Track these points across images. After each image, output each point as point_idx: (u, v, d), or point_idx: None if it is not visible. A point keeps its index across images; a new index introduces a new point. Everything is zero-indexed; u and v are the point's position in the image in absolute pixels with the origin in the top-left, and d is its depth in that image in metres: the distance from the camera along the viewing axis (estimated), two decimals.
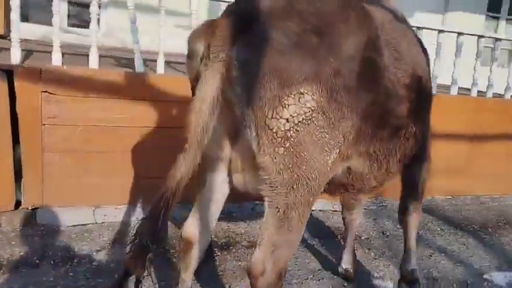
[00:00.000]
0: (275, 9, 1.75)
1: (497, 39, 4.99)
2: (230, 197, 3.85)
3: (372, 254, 3.50)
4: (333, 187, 2.21)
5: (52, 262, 2.92)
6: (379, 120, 2.00)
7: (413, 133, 2.28)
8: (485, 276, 3.38)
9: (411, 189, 2.75)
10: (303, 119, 1.71)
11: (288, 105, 1.69)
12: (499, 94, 5.28)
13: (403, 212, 2.81)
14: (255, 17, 1.73)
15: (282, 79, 1.67)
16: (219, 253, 3.30)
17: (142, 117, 3.60)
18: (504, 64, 7.20)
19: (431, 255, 3.58)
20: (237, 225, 3.77)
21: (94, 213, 3.57)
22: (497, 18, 8.91)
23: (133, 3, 3.53)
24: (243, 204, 4.01)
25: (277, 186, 1.78)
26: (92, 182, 3.54)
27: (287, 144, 1.72)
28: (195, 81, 1.84)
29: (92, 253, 3.10)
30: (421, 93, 2.29)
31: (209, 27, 1.80)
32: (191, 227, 2.20)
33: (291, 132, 1.70)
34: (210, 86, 1.69)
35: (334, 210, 4.21)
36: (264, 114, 1.69)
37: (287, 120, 1.70)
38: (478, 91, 4.94)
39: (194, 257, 2.23)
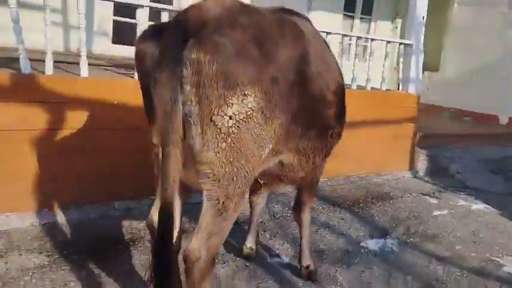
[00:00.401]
0: (222, 19, 1.94)
1: (358, 38, 5.68)
2: (129, 194, 3.97)
3: (267, 235, 3.85)
4: (270, 179, 2.52)
5: None
6: (308, 122, 2.34)
7: (338, 133, 2.70)
8: (361, 244, 3.93)
9: (310, 186, 3.13)
10: (244, 117, 1.94)
11: (232, 104, 1.90)
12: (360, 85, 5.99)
13: (299, 209, 3.19)
14: (204, 23, 1.89)
15: (228, 81, 1.86)
16: (126, 249, 3.38)
17: (33, 119, 3.50)
18: (359, 58, 8.13)
19: (317, 231, 4.04)
20: (138, 221, 3.86)
21: None
22: (352, 17, 9.94)
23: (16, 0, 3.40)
24: (141, 201, 4.10)
25: (219, 180, 1.99)
26: None
27: (229, 140, 1.93)
28: (145, 82, 2.00)
29: None
30: (343, 96, 2.70)
31: (158, 31, 1.96)
32: (154, 217, 2.32)
33: (233, 128, 1.92)
34: (169, 87, 1.84)
35: None
36: (210, 111, 1.88)
37: (230, 117, 1.91)
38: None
39: None
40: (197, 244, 2.07)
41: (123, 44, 7.48)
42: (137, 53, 2.09)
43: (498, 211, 5.15)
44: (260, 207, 3.44)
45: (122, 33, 7.51)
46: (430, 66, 9.68)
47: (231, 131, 1.94)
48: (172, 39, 1.88)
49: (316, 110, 2.42)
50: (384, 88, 5.97)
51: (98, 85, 3.80)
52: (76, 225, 3.66)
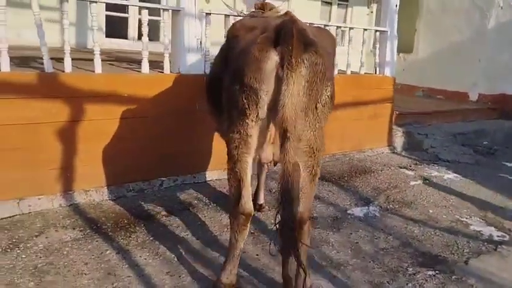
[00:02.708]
0: (313, 34, 2.61)
1: (337, 27, 6.18)
2: (140, 175, 4.44)
3: (267, 207, 4.36)
4: None
5: (0, 250, 3.24)
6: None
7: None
8: (348, 211, 4.49)
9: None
10: (326, 102, 2.62)
11: (326, 92, 2.59)
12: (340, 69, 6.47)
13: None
14: (309, 37, 2.50)
15: (325, 76, 2.52)
16: (145, 223, 3.87)
17: (56, 113, 3.94)
18: (339, 44, 8.65)
19: None
20: (151, 200, 4.35)
21: (19, 205, 3.84)
22: (330, 3, 10.43)
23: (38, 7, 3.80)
24: (151, 182, 4.59)
25: (313, 152, 2.61)
26: (14, 176, 3.81)
27: (320, 121, 2.61)
28: (265, 78, 2.47)
29: (33, 238, 3.44)
30: None
31: (273, 40, 2.45)
32: (249, 203, 2.75)
33: (323, 111, 2.60)
34: (298, 83, 2.37)
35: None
36: (316, 100, 2.51)
37: (323, 103, 2.58)
38: None
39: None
40: (304, 206, 2.65)
41: (116, 37, 7.87)
42: (258, 58, 2.46)
43: (466, 179, 5.77)
44: (267, 168, 4.01)
45: (114, 27, 7.87)
46: (405, 48, 10.25)
47: (321, 113, 2.58)
48: (297, 48, 2.36)
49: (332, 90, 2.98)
50: (362, 72, 6.50)
51: (111, 80, 4.25)
52: (98, 205, 4.14)
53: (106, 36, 7.69)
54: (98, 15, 6.41)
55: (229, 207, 2.88)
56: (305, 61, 2.39)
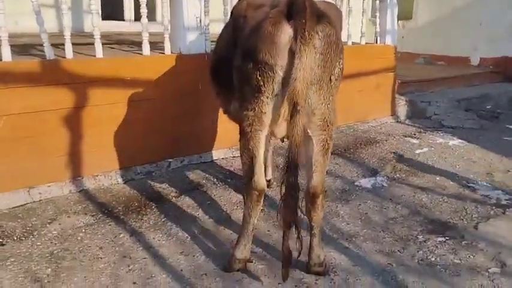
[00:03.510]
0: (323, 8, 2.59)
1: None
2: (147, 157, 4.45)
3: (274, 183, 4.39)
4: None
5: (15, 238, 3.29)
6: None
7: None
8: (355, 183, 4.51)
9: None
10: (339, 74, 2.63)
11: (339, 64, 2.58)
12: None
13: None
14: (319, 10, 2.49)
15: (338, 47, 2.53)
16: (156, 204, 3.91)
17: (61, 100, 3.94)
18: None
19: None
20: (160, 181, 4.38)
21: (29, 193, 3.87)
22: None
23: None
24: (159, 164, 4.61)
25: (327, 125, 2.63)
26: (23, 165, 3.83)
27: (333, 93, 2.62)
28: (280, 52, 2.45)
29: (46, 225, 3.49)
30: None
31: (290, 14, 2.41)
32: (262, 179, 2.77)
33: (336, 83, 2.60)
34: (311, 57, 2.37)
35: (234, 156, 5.02)
36: (330, 72, 2.51)
37: (336, 76, 2.58)
38: None
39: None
40: (318, 180, 2.73)
41: (113, 19, 7.79)
42: (272, 32, 2.44)
43: (471, 144, 5.77)
44: (272, 148, 4.08)
45: (110, 9, 7.79)
46: (404, 15, 10.13)
47: (334, 86, 2.59)
48: (310, 21, 2.36)
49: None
50: (363, 42, 6.44)
51: (113, 64, 4.23)
52: (108, 189, 4.17)
53: (103, 19, 7.60)
54: None
55: (242, 184, 2.91)
56: (319, 33, 2.40)
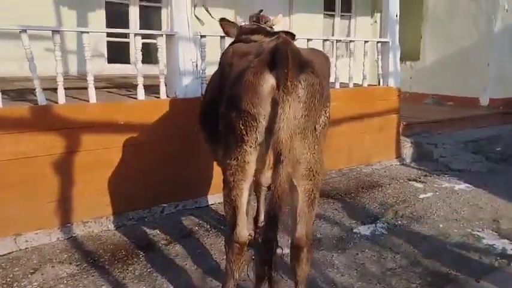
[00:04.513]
0: (308, 56, 2.56)
1: (337, 41, 6.11)
2: (140, 203, 4.38)
3: None
4: None
5: None
6: None
7: None
8: (354, 230, 4.35)
9: None
10: (325, 123, 2.55)
11: (325, 113, 2.51)
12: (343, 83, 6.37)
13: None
14: (303, 58, 2.43)
15: (323, 96, 2.45)
16: (145, 253, 3.79)
17: (52, 145, 3.91)
18: (343, 55, 8.59)
19: (313, 223, 4.45)
20: (151, 228, 4.28)
21: (16, 241, 3.79)
22: (333, 15, 10.37)
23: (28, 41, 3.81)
24: (152, 209, 4.52)
25: (313, 175, 2.52)
26: (11, 212, 3.77)
27: (320, 142, 2.51)
28: (262, 102, 2.39)
29: (28, 276, 3.38)
30: None
31: (273, 63, 2.35)
32: (244, 231, 2.66)
33: (322, 132, 2.52)
34: (294, 107, 2.30)
35: None
36: (314, 121, 2.43)
37: (321, 124, 2.50)
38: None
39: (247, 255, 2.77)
40: (302, 232, 2.59)
41: (118, 62, 7.89)
42: (254, 82, 2.39)
43: (478, 189, 5.58)
44: (264, 193, 3.92)
45: (116, 53, 7.90)
46: (411, 55, 10.15)
47: (320, 135, 2.50)
48: (291, 68, 2.29)
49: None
50: (365, 84, 6.39)
51: (106, 109, 4.23)
52: (97, 236, 4.08)
53: (108, 62, 7.71)
54: (99, 42, 6.51)
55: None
56: (302, 82, 2.34)
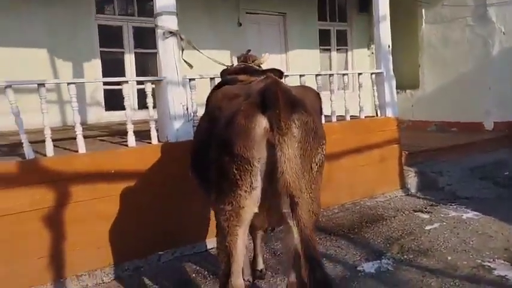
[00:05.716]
0: (299, 95, 2.55)
1: (330, 75, 6.09)
2: (136, 252, 4.26)
3: (269, 272, 4.09)
4: None
5: None
6: None
7: None
8: (358, 268, 4.17)
9: None
10: (322, 161, 2.49)
11: (321, 151, 2.45)
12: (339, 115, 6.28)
13: None
14: (294, 98, 2.42)
15: (317, 134, 2.41)
16: None
17: (40, 199, 3.84)
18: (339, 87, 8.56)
19: None
20: (148, 278, 4.14)
21: None
22: (329, 50, 10.44)
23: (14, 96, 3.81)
24: (148, 257, 4.39)
25: (310, 216, 2.33)
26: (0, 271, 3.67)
27: (317, 182, 2.45)
28: (255, 145, 2.33)
29: None
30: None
31: (264, 104, 2.31)
32: (239, 280, 2.57)
33: (318, 171, 2.46)
34: (292, 146, 2.23)
35: None
36: (310, 160, 2.36)
37: (318, 163, 2.43)
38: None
39: None
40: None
41: (117, 109, 7.91)
42: (245, 126, 2.32)
43: (487, 216, 5.38)
44: (260, 235, 3.81)
45: (113, 100, 7.94)
46: (411, 84, 10.14)
47: (317, 174, 2.43)
48: (285, 111, 2.25)
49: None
50: (362, 116, 6.31)
51: (96, 158, 4.17)
52: None
53: (106, 110, 7.75)
54: (95, 90, 6.58)
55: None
56: (295, 121, 2.29)
